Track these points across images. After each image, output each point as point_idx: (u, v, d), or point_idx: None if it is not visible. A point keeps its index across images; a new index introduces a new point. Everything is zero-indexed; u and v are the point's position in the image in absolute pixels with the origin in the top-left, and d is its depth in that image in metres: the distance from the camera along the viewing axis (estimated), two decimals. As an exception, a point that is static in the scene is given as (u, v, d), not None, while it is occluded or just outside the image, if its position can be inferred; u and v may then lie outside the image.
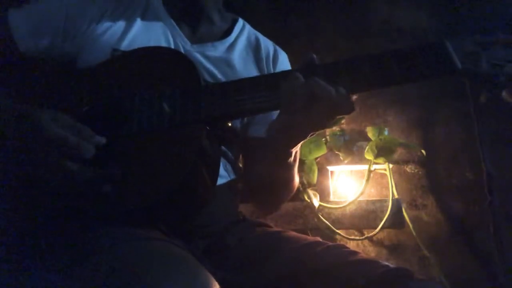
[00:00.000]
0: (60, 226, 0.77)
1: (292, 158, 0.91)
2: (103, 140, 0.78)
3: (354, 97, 0.77)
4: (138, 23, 1.00)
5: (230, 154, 1.01)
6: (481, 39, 0.77)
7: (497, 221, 1.29)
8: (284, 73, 0.85)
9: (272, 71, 1.09)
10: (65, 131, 0.74)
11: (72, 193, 0.76)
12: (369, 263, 0.81)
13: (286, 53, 1.17)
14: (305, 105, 0.75)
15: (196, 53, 1.02)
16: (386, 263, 0.80)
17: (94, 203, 0.76)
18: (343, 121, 1.76)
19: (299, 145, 0.88)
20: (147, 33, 1.00)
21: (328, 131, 1.74)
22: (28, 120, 0.75)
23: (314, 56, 0.80)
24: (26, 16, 0.97)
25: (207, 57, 1.03)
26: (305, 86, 0.76)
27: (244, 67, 1.06)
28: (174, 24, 1.04)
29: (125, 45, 0.96)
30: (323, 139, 1.68)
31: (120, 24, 0.99)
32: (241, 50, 1.09)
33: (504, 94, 0.75)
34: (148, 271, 0.61)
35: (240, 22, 1.14)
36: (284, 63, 1.13)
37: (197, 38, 1.05)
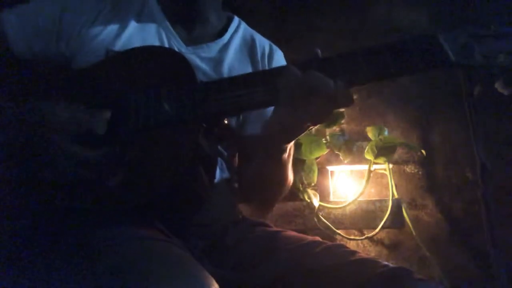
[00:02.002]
0: (63, 225, 0.77)
1: (286, 154, 0.90)
2: (107, 114, 0.82)
3: (354, 97, 0.78)
4: (133, 25, 1.00)
5: (226, 152, 1.01)
6: (474, 31, 0.77)
7: (492, 218, 1.29)
8: (280, 67, 0.84)
9: None
10: (77, 113, 0.79)
11: (76, 185, 0.77)
12: (369, 263, 0.80)
13: (286, 52, 1.16)
14: (304, 99, 0.75)
15: (191, 55, 1.01)
16: (386, 263, 0.80)
17: (92, 200, 0.77)
18: (343, 121, 1.76)
19: (294, 140, 0.88)
20: (141, 35, 0.99)
21: (328, 131, 1.74)
22: (40, 111, 0.79)
23: (319, 51, 0.80)
24: (19, 19, 0.97)
25: (201, 58, 1.02)
26: (303, 79, 0.76)
27: (239, 66, 1.05)
28: (169, 26, 1.03)
29: (119, 46, 0.95)
30: (323, 139, 1.68)
31: (115, 26, 0.98)
32: (236, 49, 1.08)
33: (497, 85, 0.76)
34: (148, 271, 0.61)
35: (235, 20, 1.13)
36: (280, 61, 1.12)
37: (191, 40, 1.04)
